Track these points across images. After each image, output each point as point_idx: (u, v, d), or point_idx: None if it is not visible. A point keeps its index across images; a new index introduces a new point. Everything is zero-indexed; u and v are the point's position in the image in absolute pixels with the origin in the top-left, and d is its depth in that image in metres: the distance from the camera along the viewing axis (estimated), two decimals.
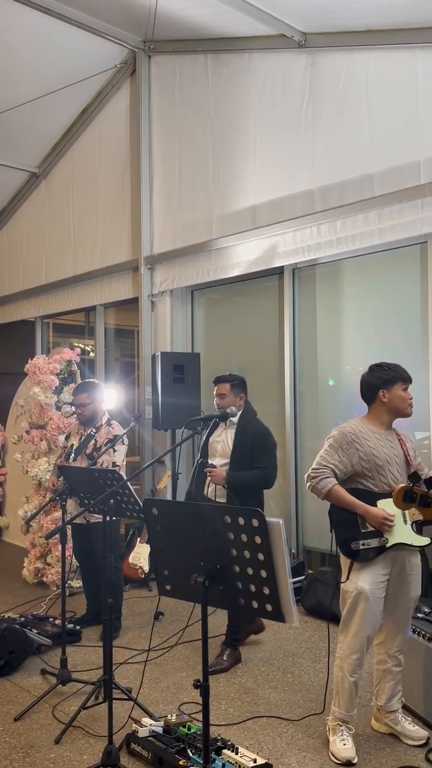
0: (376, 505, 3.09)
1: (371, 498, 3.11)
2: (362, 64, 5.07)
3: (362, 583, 3.09)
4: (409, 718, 3.28)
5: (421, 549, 3.19)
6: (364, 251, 5.23)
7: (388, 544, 3.08)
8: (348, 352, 5.56)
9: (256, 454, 4.12)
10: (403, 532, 3.10)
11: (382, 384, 3.22)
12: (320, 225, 5.29)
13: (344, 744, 3.10)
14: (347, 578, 3.11)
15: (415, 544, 3.13)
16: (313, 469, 3.18)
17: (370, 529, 3.08)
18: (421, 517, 3.13)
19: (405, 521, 3.11)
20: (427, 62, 4.69)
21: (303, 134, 5.47)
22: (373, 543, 3.08)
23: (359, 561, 3.10)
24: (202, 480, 4.26)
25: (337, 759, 3.07)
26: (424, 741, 3.17)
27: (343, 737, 3.13)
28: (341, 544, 3.15)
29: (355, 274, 5.54)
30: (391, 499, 3.09)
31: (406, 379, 3.26)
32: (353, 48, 5.11)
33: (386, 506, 3.09)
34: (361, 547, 3.08)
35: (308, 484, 3.19)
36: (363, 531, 3.09)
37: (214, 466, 4.14)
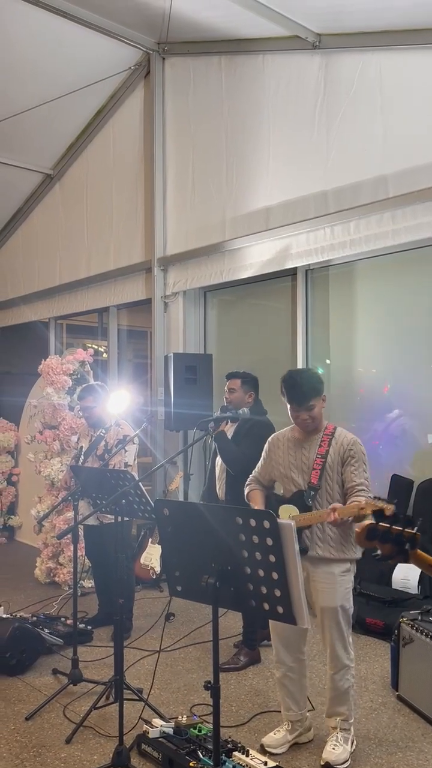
0: (277, 510, 3.21)
1: (278, 502, 3.27)
2: (376, 65, 5.05)
3: None
4: (341, 740, 3.09)
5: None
6: (378, 253, 5.21)
7: None
8: (361, 353, 5.53)
9: (242, 437, 4.13)
10: None
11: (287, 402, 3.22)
12: (334, 226, 5.27)
13: (275, 734, 3.22)
14: None
15: None
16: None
17: None
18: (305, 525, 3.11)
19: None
20: None
21: (317, 135, 5.46)
22: None
23: None
24: (213, 481, 4.33)
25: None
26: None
27: (279, 729, 3.24)
28: None
29: (369, 276, 5.52)
30: (290, 506, 3.20)
31: (290, 402, 3.17)
32: (367, 49, 5.10)
33: (284, 512, 3.21)
34: None
35: None
36: None
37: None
